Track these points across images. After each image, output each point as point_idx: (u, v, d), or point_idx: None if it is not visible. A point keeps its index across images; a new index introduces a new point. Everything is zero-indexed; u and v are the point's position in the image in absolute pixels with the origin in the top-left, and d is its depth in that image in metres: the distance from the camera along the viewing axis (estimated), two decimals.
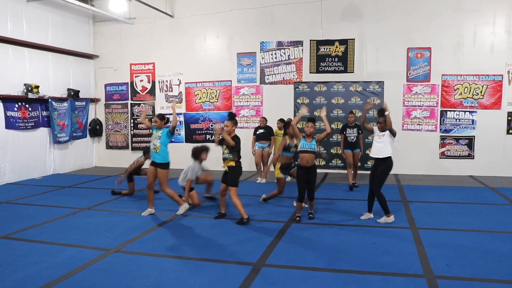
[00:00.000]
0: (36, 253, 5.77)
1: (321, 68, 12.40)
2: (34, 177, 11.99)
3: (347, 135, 10.20)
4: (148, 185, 7.82)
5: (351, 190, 9.97)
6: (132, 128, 14.28)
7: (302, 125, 12.46)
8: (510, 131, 11.43)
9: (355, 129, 10.20)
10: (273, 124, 11.30)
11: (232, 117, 7.34)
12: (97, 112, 14.57)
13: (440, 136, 11.84)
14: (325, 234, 6.53)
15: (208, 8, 13.14)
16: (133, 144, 14.30)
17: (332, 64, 12.31)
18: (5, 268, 5.20)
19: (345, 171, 12.38)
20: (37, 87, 11.76)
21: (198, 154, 8.51)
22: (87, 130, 14.16)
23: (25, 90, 11.53)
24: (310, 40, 12.40)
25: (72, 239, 6.39)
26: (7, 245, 6.17)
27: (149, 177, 7.77)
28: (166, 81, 13.88)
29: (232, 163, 7.15)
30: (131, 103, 14.26)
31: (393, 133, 7.07)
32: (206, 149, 8.63)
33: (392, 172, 11.82)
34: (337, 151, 12.39)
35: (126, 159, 14.29)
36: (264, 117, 11.57)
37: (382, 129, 7.23)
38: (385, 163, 7.18)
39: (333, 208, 8.17)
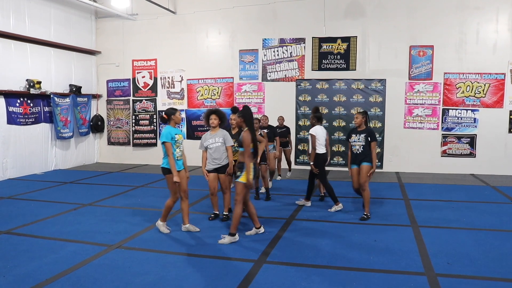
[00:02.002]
0: (38, 248, 5.79)
1: (323, 66, 12.38)
2: (36, 172, 12.01)
3: (351, 143, 7.46)
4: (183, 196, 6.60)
5: (363, 219, 7.22)
6: (133, 124, 14.28)
7: (304, 123, 12.48)
8: None
9: (361, 135, 7.28)
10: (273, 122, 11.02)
11: (235, 110, 7.28)
12: (98, 108, 14.57)
13: (442, 134, 11.82)
14: (326, 231, 6.53)
15: (211, 4, 13.12)
16: (135, 141, 14.31)
17: (334, 61, 12.29)
18: (7, 263, 5.22)
19: (348, 169, 12.38)
20: (39, 82, 11.77)
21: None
22: (90, 126, 14.16)
23: (27, 86, 11.54)
24: (313, 38, 12.37)
25: (73, 234, 6.41)
26: (9, 240, 6.19)
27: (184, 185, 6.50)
28: (168, 77, 13.87)
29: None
30: (133, 100, 14.26)
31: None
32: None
33: (394, 170, 11.98)
34: (338, 148, 12.38)
35: (127, 155, 14.37)
36: (266, 116, 9.89)
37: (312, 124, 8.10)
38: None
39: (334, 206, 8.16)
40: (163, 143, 6.23)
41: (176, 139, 6.27)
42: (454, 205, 8.13)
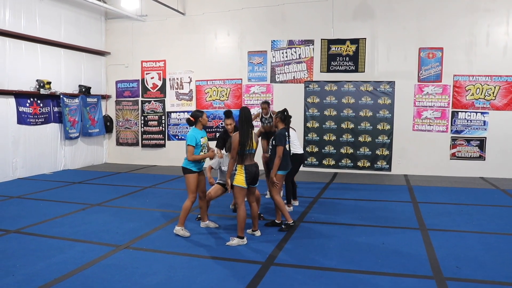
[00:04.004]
0: (46, 247, 5.82)
1: (332, 67, 12.35)
2: (45, 172, 12.09)
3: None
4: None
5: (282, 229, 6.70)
6: (142, 125, 14.34)
7: (313, 125, 12.43)
8: None
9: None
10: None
11: (229, 115, 7.30)
12: (108, 108, 14.65)
13: (451, 137, 11.74)
14: (334, 233, 6.51)
15: (220, 6, 13.15)
16: (143, 141, 14.36)
17: (343, 63, 12.26)
18: (16, 262, 5.26)
19: (356, 171, 12.36)
20: (49, 83, 11.85)
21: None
22: (104, 127, 14.22)
23: (37, 86, 11.63)
24: (321, 39, 12.34)
25: (81, 234, 6.44)
26: (18, 239, 6.24)
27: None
28: (177, 78, 13.91)
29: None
30: (141, 100, 14.31)
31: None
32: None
33: (402, 172, 11.90)
34: (346, 150, 12.34)
35: (136, 156, 14.42)
36: (266, 101, 9.26)
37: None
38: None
39: (342, 208, 8.14)
40: (187, 145, 6.22)
41: (201, 143, 6.27)
42: (463, 208, 8.07)
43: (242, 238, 5.99)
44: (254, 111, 12.84)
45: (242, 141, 5.95)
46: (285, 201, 7.91)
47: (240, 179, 5.99)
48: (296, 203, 8.27)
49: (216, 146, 7.58)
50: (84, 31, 13.52)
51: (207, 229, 6.71)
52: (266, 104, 9.07)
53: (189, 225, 6.76)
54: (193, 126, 6.38)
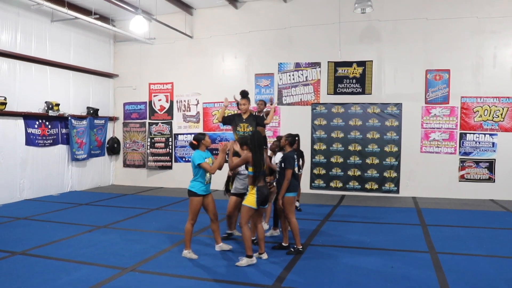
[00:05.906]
0: (52, 270, 5.78)
1: (338, 90, 12.38)
2: (52, 193, 12.10)
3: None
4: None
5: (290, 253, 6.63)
6: (149, 147, 14.37)
7: (320, 147, 12.38)
8: None
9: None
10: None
11: (245, 95, 7.36)
12: (115, 130, 14.73)
13: (460, 159, 11.66)
14: (342, 256, 6.42)
15: (227, 29, 13.31)
16: (150, 163, 14.37)
17: (350, 85, 12.29)
18: (21, 284, 5.22)
19: (363, 193, 12.25)
20: (57, 105, 11.96)
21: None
22: (105, 148, 14.29)
23: (46, 108, 11.74)
24: (328, 62, 12.41)
25: (87, 257, 6.40)
26: (24, 261, 6.20)
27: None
28: (184, 100, 13.99)
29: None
30: (149, 122, 14.39)
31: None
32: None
33: (410, 195, 11.78)
34: (354, 173, 12.27)
35: (142, 177, 14.41)
36: (263, 100, 9.32)
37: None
38: None
39: (350, 231, 8.05)
40: (197, 165, 6.23)
41: (206, 163, 6.32)
42: (474, 231, 7.94)
43: (251, 257, 5.95)
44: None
45: (255, 163, 6.03)
46: (273, 226, 7.77)
47: (251, 200, 6.05)
48: (277, 232, 7.70)
49: (223, 123, 7.79)
50: (93, 54, 13.70)
51: (214, 251, 6.63)
52: (261, 101, 9.05)
53: (195, 247, 6.69)
54: (197, 149, 6.42)
